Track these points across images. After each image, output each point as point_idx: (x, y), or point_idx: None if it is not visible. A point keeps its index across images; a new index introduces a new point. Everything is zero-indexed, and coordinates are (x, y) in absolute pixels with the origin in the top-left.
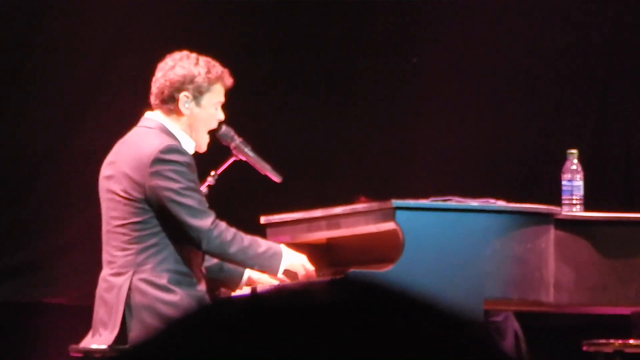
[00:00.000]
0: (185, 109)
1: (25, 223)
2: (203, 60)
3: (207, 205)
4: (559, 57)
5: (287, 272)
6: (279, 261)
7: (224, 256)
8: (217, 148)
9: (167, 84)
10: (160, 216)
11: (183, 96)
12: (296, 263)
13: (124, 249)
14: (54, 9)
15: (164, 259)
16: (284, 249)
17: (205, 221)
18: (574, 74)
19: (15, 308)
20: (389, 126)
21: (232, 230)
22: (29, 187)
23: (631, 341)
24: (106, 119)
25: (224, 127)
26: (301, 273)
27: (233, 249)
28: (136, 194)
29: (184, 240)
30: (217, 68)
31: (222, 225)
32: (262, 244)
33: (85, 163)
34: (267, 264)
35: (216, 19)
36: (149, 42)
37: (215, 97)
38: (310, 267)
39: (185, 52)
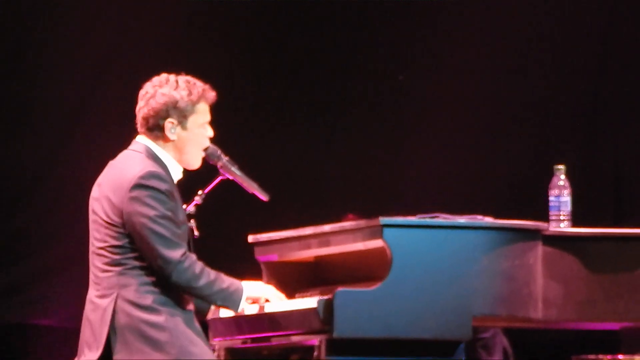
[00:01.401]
0: (172, 135)
1: (13, 244)
2: (182, 81)
3: (184, 236)
4: (547, 73)
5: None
6: (240, 298)
7: (190, 289)
8: (204, 167)
9: (151, 112)
10: (135, 242)
11: (168, 123)
12: (255, 296)
13: (106, 271)
14: (41, 29)
15: (147, 279)
16: (244, 285)
17: (176, 252)
18: (562, 90)
19: (3, 329)
20: (377, 144)
21: (200, 264)
22: (17, 208)
23: (620, 357)
24: (94, 141)
25: (211, 147)
26: (261, 302)
27: (200, 283)
28: (115, 218)
29: (153, 268)
30: (198, 87)
31: (192, 258)
32: (225, 280)
33: (74, 184)
34: (228, 300)
35: (205, 39)
36: (139, 60)
37: (201, 117)
38: (275, 296)
39: (164, 76)
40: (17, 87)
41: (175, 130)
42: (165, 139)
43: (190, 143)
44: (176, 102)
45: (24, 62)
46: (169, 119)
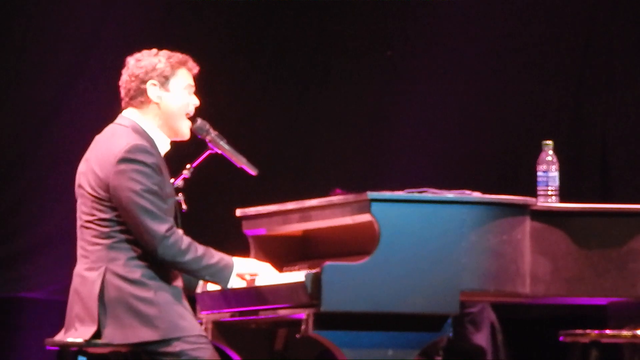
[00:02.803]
0: (156, 97)
1: (1, 219)
2: (163, 52)
3: (170, 210)
4: (534, 48)
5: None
6: (230, 273)
7: (177, 264)
8: (192, 141)
9: (132, 78)
10: (122, 215)
11: (150, 85)
12: (245, 272)
13: (95, 244)
14: (27, 5)
15: (136, 253)
16: (235, 260)
17: (162, 227)
18: (550, 65)
19: None
20: (365, 119)
21: (187, 239)
22: (5, 183)
23: (607, 331)
24: (81, 115)
25: (199, 121)
26: (247, 278)
27: (187, 258)
28: (102, 192)
29: (140, 242)
30: (178, 55)
31: (178, 233)
32: (215, 255)
33: (61, 159)
34: (217, 275)
35: (191, 15)
36: (124, 38)
37: (183, 80)
38: (267, 272)
39: (145, 50)
40: (1, 62)
41: (158, 92)
42: (148, 101)
43: (174, 107)
44: (155, 65)
45: (7, 37)
46: (151, 81)
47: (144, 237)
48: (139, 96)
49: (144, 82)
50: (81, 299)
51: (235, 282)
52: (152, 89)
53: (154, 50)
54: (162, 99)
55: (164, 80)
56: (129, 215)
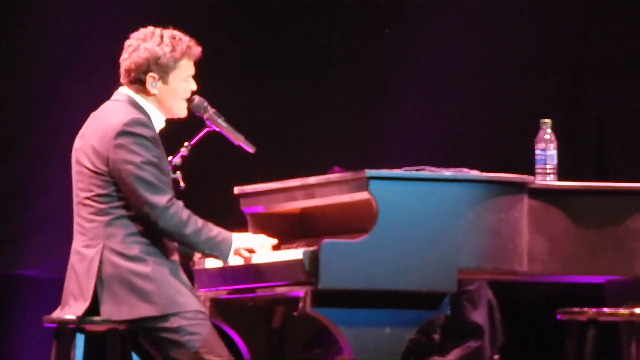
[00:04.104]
0: (153, 89)
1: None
2: (167, 36)
3: (169, 183)
4: (534, 27)
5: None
6: (229, 247)
7: (177, 236)
8: (190, 119)
9: (133, 66)
10: (122, 189)
11: (149, 77)
12: (243, 246)
13: (92, 221)
14: None
15: (134, 229)
16: (234, 236)
17: (162, 198)
18: (549, 45)
19: None
20: (363, 97)
21: (187, 211)
22: (4, 161)
23: (605, 310)
24: (79, 95)
25: (197, 98)
26: (245, 255)
27: (188, 230)
28: (101, 167)
29: (140, 216)
30: (182, 43)
31: (179, 204)
32: (214, 229)
33: (59, 137)
34: (216, 249)
35: None
36: (121, 19)
37: (183, 72)
38: (265, 244)
39: (149, 29)
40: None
41: (157, 84)
42: (147, 92)
43: (171, 97)
44: (158, 57)
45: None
46: (150, 74)
47: (144, 209)
48: (137, 83)
49: (144, 73)
50: (77, 276)
51: (233, 257)
52: (151, 81)
53: (159, 34)
54: (160, 91)
55: (165, 74)
56: (129, 188)
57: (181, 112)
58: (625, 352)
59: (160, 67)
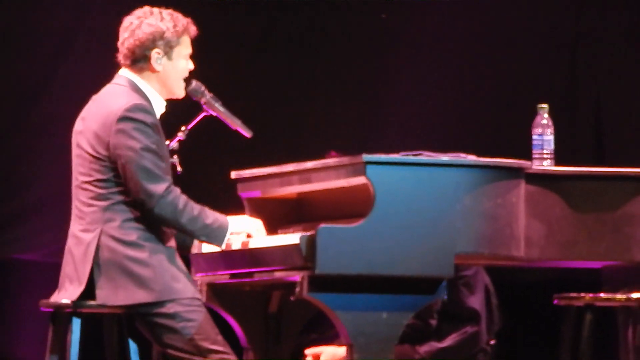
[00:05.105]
0: (158, 65)
1: None
2: (167, 14)
3: (167, 170)
4: (529, 11)
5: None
6: (224, 234)
7: (173, 224)
8: (187, 103)
9: (137, 43)
10: (120, 174)
11: (155, 53)
12: (239, 231)
13: (90, 205)
14: None
15: (132, 215)
16: (230, 220)
17: (160, 186)
18: (545, 29)
19: None
20: (360, 81)
21: (184, 197)
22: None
23: (602, 295)
24: (75, 79)
25: (194, 83)
26: (241, 239)
27: (183, 219)
28: (102, 151)
29: (137, 202)
30: (182, 20)
31: (176, 191)
32: (210, 215)
33: (55, 122)
34: (213, 236)
35: None
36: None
37: (184, 49)
38: (259, 230)
39: (147, 8)
40: None
41: (162, 60)
42: (150, 69)
43: (173, 75)
44: (163, 32)
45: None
46: (156, 50)
47: (141, 196)
48: (141, 61)
49: (150, 49)
50: (74, 259)
51: (230, 241)
52: (156, 57)
53: (158, 11)
54: (164, 67)
55: (169, 49)
56: (128, 174)
57: (181, 92)
58: (622, 337)
59: (165, 43)
